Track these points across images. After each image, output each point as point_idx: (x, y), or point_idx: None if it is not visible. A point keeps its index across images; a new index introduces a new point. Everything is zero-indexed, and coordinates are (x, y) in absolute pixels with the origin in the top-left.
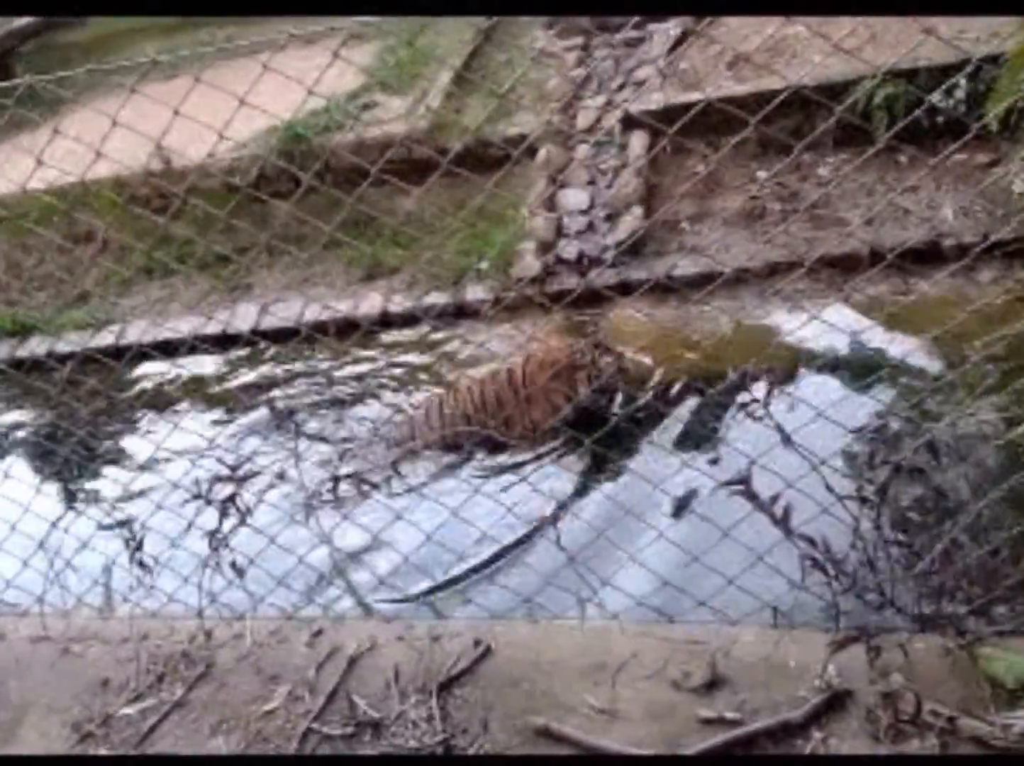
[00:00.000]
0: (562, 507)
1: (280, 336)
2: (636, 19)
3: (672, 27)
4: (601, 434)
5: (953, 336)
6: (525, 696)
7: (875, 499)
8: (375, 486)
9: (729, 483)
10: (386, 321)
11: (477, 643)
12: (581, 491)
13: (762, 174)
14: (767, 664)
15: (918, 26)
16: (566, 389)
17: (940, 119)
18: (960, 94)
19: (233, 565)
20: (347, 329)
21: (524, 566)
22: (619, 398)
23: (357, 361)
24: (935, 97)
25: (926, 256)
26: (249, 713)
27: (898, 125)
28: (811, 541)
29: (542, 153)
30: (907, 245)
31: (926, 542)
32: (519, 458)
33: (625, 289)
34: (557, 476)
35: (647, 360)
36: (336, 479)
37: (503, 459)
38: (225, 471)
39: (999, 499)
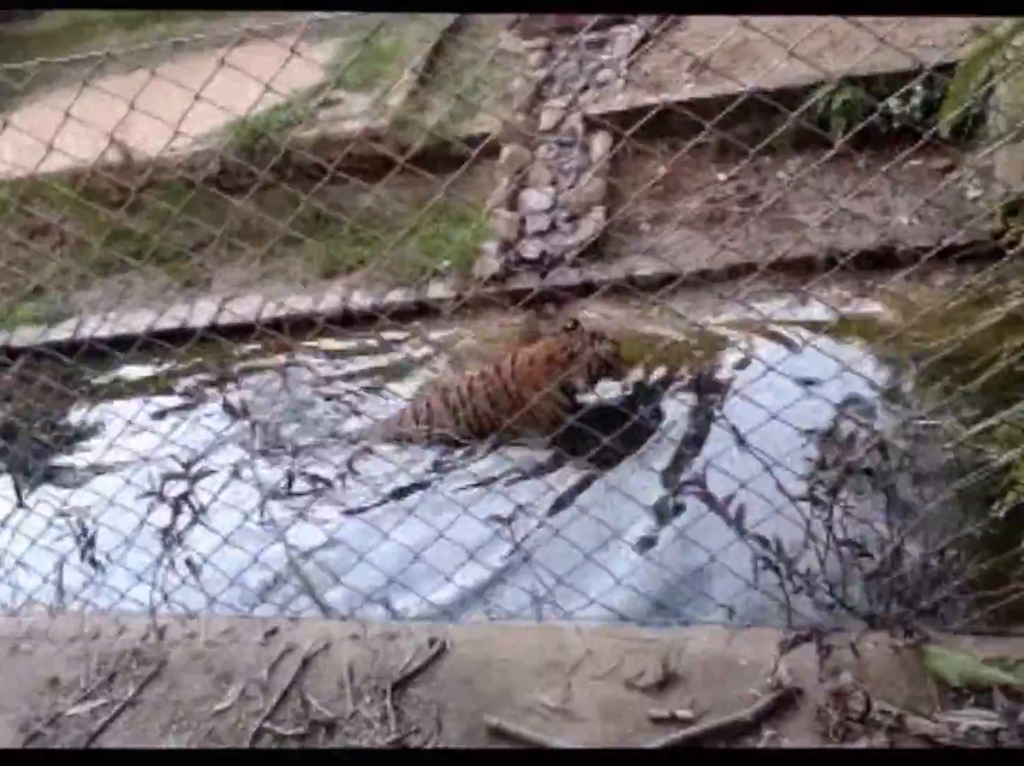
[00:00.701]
0: (520, 506)
1: (237, 332)
2: (599, 20)
3: (634, 30)
4: (619, 432)
5: (907, 339)
6: (479, 695)
7: (826, 500)
8: (329, 484)
9: (685, 484)
10: (346, 318)
11: (432, 642)
12: (541, 490)
13: (722, 177)
14: (720, 663)
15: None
16: (562, 381)
17: (896, 125)
18: (916, 101)
19: (188, 563)
20: (305, 326)
21: (480, 566)
22: (619, 386)
23: (315, 358)
24: (892, 103)
25: (882, 260)
26: (201, 713)
27: (854, 130)
28: (764, 542)
29: (505, 153)
30: (862, 249)
31: (876, 543)
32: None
33: (586, 289)
34: (523, 476)
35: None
36: (291, 477)
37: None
38: (178, 468)
39: (948, 500)
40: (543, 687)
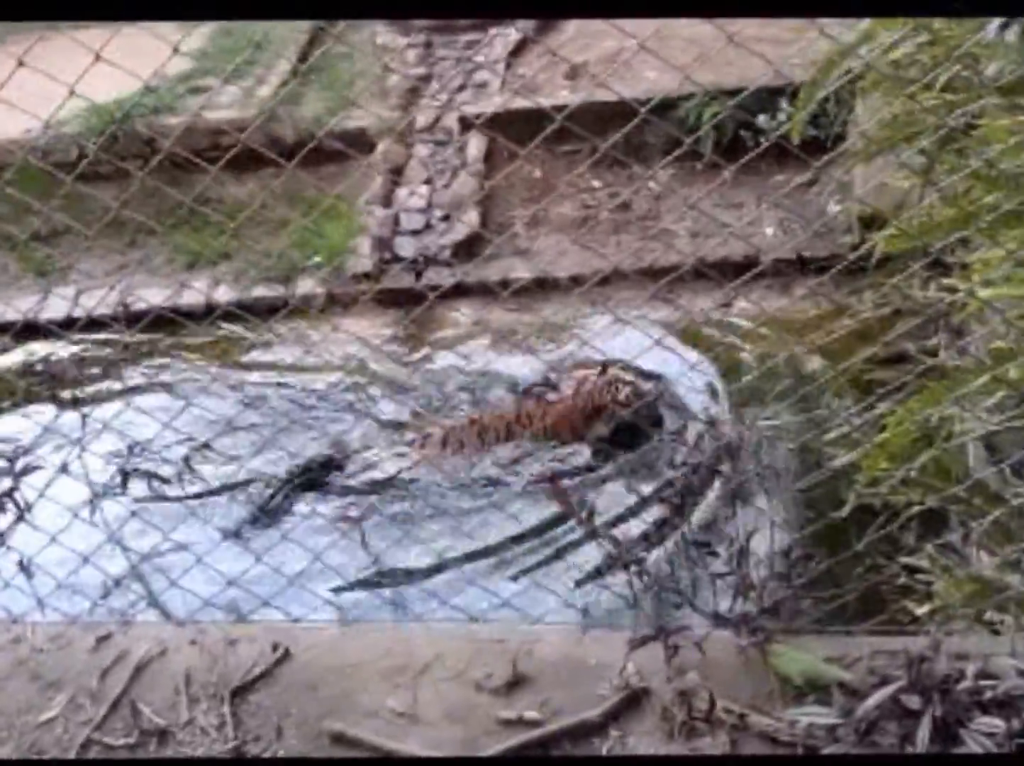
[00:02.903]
0: (369, 507)
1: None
2: (478, 21)
3: (513, 32)
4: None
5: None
6: (323, 701)
7: (676, 500)
8: (167, 481)
9: (537, 481)
10: (208, 312)
11: (275, 647)
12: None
13: (596, 183)
14: (569, 663)
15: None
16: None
17: (763, 139)
18: (782, 116)
19: (21, 564)
20: (167, 319)
21: (329, 568)
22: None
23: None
24: (760, 118)
25: (747, 270)
26: (24, 723)
27: (724, 142)
28: (614, 540)
29: (380, 149)
30: (728, 259)
31: (723, 541)
32: None
33: (459, 290)
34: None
35: None
36: (125, 474)
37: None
38: (2, 463)
39: (793, 499)
40: (389, 691)
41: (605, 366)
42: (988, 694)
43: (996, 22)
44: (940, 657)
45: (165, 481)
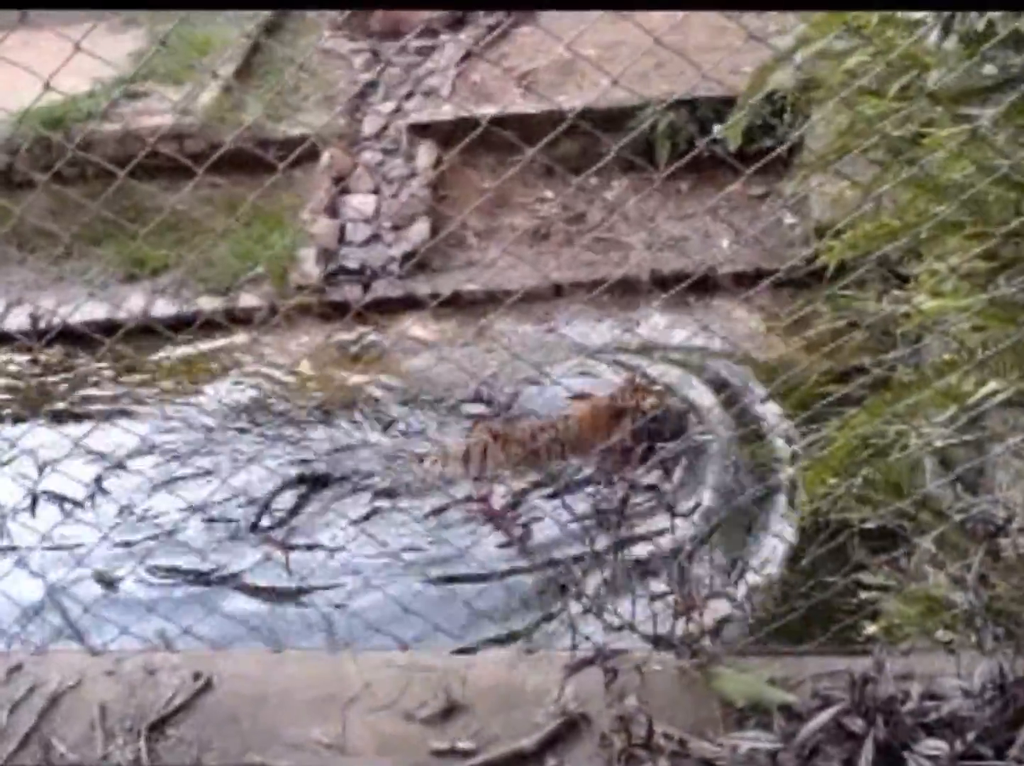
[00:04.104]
0: (294, 528)
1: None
2: (427, 26)
3: (463, 37)
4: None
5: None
6: (246, 733)
7: (612, 518)
8: (79, 504)
9: (469, 499)
10: (147, 325)
11: (197, 676)
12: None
13: (549, 194)
14: (505, 689)
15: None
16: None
17: (718, 150)
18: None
19: None
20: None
21: (251, 593)
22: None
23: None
24: (715, 128)
25: (704, 283)
26: None
27: (678, 155)
28: (550, 561)
29: (325, 156)
30: (684, 272)
31: (662, 560)
32: None
33: (409, 303)
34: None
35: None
36: (35, 497)
37: None
38: None
39: (734, 518)
40: (316, 722)
41: (633, 375)
42: (933, 715)
43: (937, 29)
44: (884, 678)
45: (77, 504)
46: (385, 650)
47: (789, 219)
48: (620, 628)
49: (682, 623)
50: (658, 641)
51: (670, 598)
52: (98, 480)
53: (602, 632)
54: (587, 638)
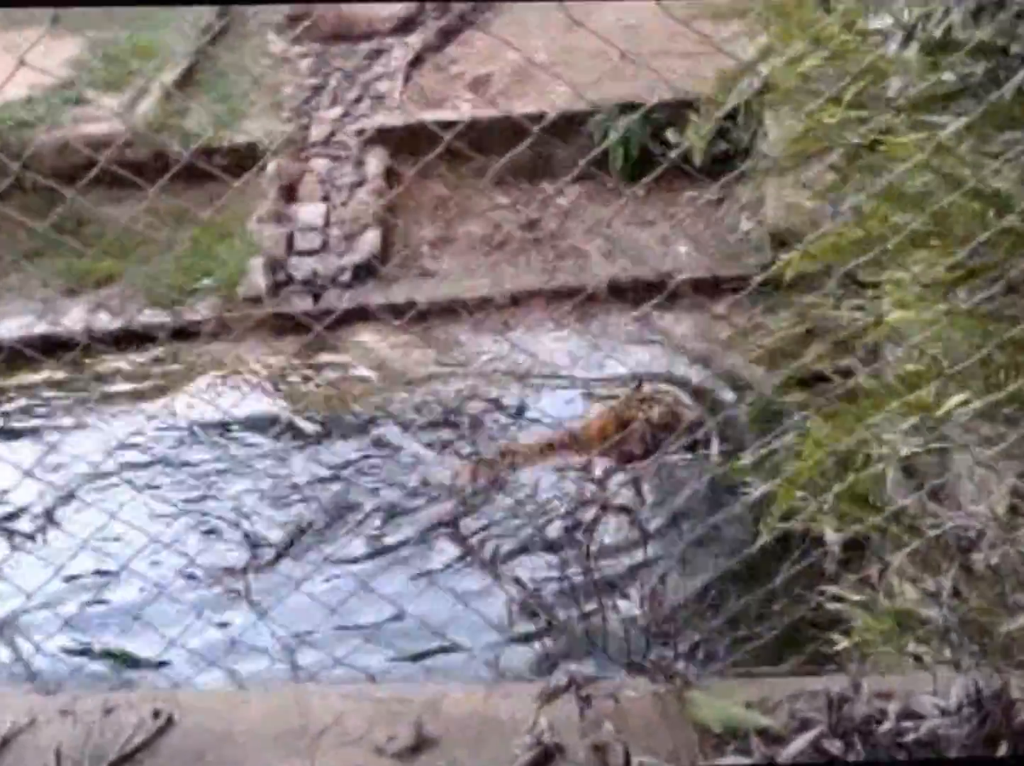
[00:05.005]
0: (256, 558)
1: None
2: (375, 29)
3: (413, 41)
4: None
5: None
6: None
7: (583, 540)
8: (31, 537)
9: (437, 525)
10: (93, 340)
11: (156, 714)
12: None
13: (503, 200)
14: (478, 721)
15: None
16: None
17: (673, 155)
18: (691, 132)
19: None
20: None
21: (214, 625)
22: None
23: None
24: (668, 133)
25: (661, 290)
26: None
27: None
28: (520, 584)
29: (272, 165)
30: (641, 279)
31: (634, 583)
32: None
33: (361, 314)
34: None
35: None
36: None
37: None
38: None
39: (707, 540)
40: (283, 758)
41: (640, 382)
42: (911, 735)
43: (898, 37)
44: (861, 698)
45: (29, 537)
46: (353, 682)
47: (745, 224)
48: (592, 653)
49: (657, 646)
50: (631, 666)
51: (643, 622)
52: (49, 512)
53: (575, 657)
54: (557, 665)
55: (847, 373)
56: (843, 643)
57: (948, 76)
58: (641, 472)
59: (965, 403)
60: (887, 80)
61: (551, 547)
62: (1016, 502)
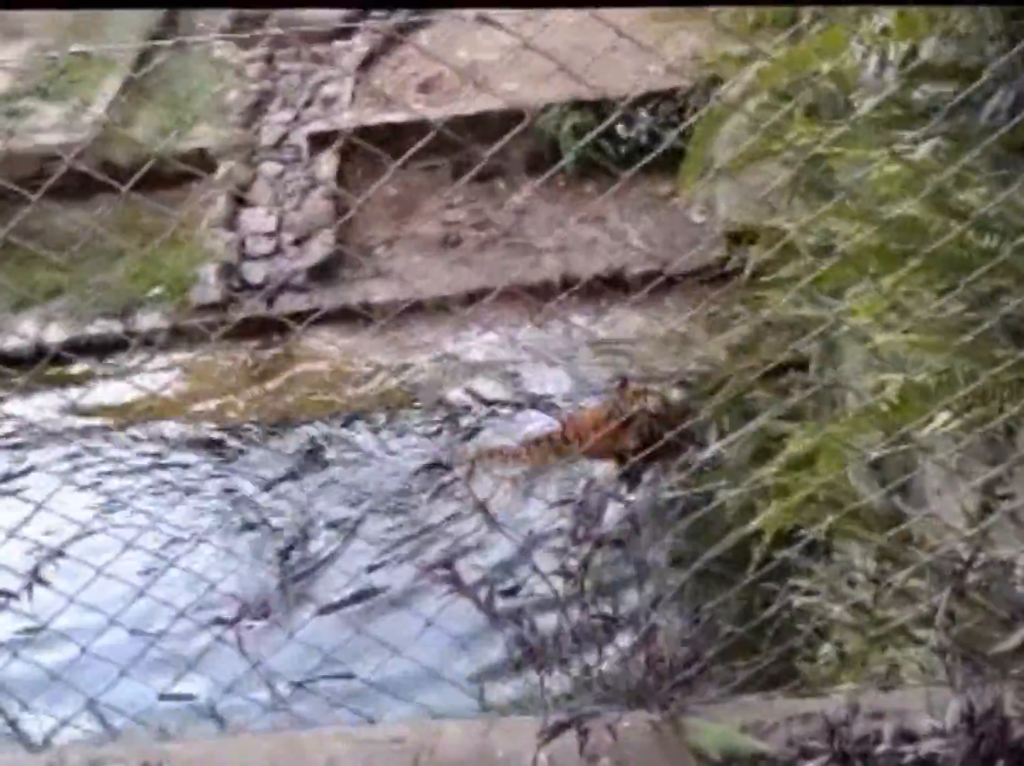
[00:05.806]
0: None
1: None
2: (323, 32)
3: (361, 44)
4: None
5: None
6: None
7: (579, 574)
8: (13, 596)
9: (432, 568)
10: (39, 354)
11: None
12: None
13: (456, 199)
14: (476, 759)
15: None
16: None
17: (624, 150)
18: (642, 126)
19: None
20: None
21: (200, 672)
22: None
23: None
24: (618, 128)
25: (615, 285)
26: None
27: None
28: (518, 622)
29: (222, 170)
30: (594, 273)
31: (629, 616)
32: None
33: (319, 317)
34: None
35: None
36: None
37: None
38: None
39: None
40: None
41: (625, 381)
42: (909, 757)
43: (875, 60)
44: (857, 719)
45: (12, 596)
46: (345, 724)
47: (697, 218)
48: (590, 686)
49: (651, 675)
50: (629, 697)
51: (638, 652)
52: (35, 571)
53: (572, 691)
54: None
55: (804, 366)
56: (828, 652)
57: (917, 95)
58: (636, 508)
59: (947, 423)
60: (853, 96)
61: (544, 582)
62: (987, 499)
